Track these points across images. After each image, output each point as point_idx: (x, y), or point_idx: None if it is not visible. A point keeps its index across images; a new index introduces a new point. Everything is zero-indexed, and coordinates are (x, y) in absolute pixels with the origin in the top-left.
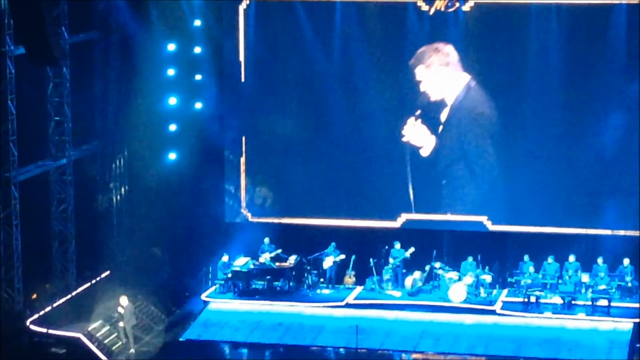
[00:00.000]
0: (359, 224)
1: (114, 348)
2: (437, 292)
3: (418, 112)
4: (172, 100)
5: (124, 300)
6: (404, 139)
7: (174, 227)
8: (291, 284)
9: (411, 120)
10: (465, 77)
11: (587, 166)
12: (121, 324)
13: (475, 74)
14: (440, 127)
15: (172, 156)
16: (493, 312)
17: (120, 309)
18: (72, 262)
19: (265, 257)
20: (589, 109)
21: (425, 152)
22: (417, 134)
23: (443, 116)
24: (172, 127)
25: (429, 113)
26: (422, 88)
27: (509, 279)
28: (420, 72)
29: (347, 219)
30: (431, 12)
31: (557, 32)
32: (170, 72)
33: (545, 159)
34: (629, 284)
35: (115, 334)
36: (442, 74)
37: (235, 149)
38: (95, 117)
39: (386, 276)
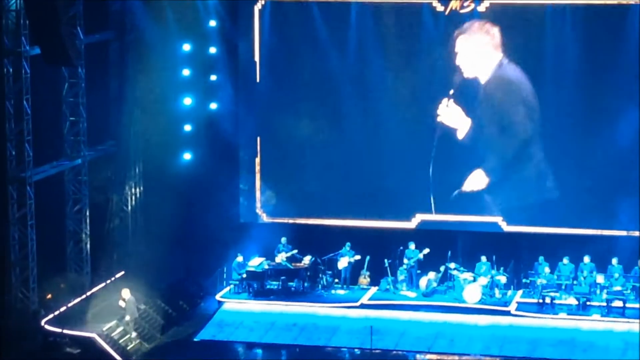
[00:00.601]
0: (373, 224)
1: (128, 348)
2: (452, 292)
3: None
4: (187, 101)
5: (126, 293)
6: (439, 119)
7: (189, 227)
8: (306, 284)
9: (444, 102)
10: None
11: (602, 167)
12: (127, 317)
13: None
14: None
15: (187, 156)
16: (508, 313)
17: (121, 302)
18: (87, 262)
19: (281, 257)
20: (604, 109)
21: (460, 135)
22: (451, 115)
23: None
24: (187, 128)
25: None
26: (457, 61)
27: (523, 280)
28: (460, 43)
29: (361, 220)
30: (446, 13)
31: (573, 32)
32: (186, 72)
33: (560, 160)
34: None
35: (128, 335)
36: (480, 50)
37: (250, 149)
38: (110, 117)
39: (401, 277)
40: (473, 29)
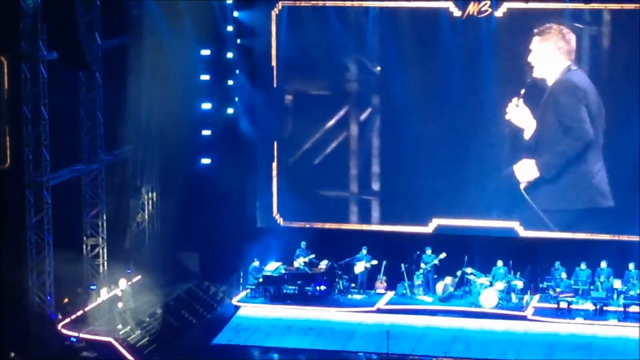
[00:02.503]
0: (390, 229)
1: (145, 352)
2: (469, 297)
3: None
4: (205, 105)
5: (122, 283)
6: (507, 117)
7: (206, 232)
8: (322, 289)
9: (513, 101)
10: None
11: (619, 172)
12: (119, 304)
13: None
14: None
15: (206, 161)
16: (524, 318)
17: (118, 292)
18: (104, 267)
19: (299, 262)
20: (622, 114)
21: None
22: (519, 115)
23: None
24: (206, 132)
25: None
26: (530, 58)
27: (540, 285)
28: (536, 43)
29: (378, 224)
30: (463, 17)
31: (591, 36)
32: (203, 77)
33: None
34: None
35: (147, 338)
36: (552, 54)
37: (267, 154)
38: (127, 121)
39: (417, 281)
40: (551, 32)
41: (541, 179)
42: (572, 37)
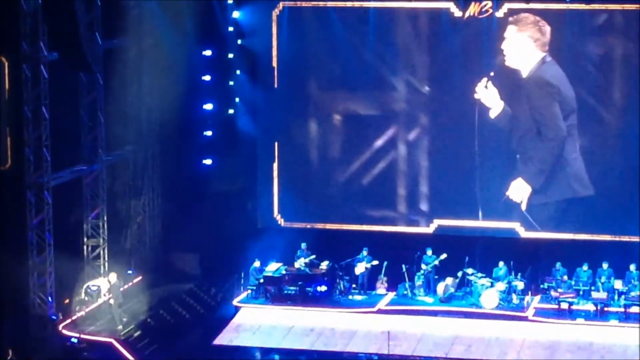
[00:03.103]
0: (391, 229)
1: (146, 352)
2: (469, 298)
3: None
4: (206, 106)
5: (112, 277)
6: (475, 96)
7: (207, 232)
8: (323, 289)
9: (482, 82)
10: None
11: (620, 173)
12: (111, 301)
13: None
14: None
15: (207, 161)
16: (525, 319)
17: (106, 284)
18: (105, 267)
19: (300, 263)
20: (622, 115)
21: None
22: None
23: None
24: (206, 133)
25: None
26: (503, 45)
27: (541, 286)
28: (511, 31)
29: (379, 225)
30: (465, 18)
31: (592, 37)
32: (204, 77)
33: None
34: None
35: (147, 339)
36: (526, 45)
37: (268, 154)
38: (128, 122)
39: (418, 282)
40: (527, 22)
41: (534, 191)
42: (547, 29)
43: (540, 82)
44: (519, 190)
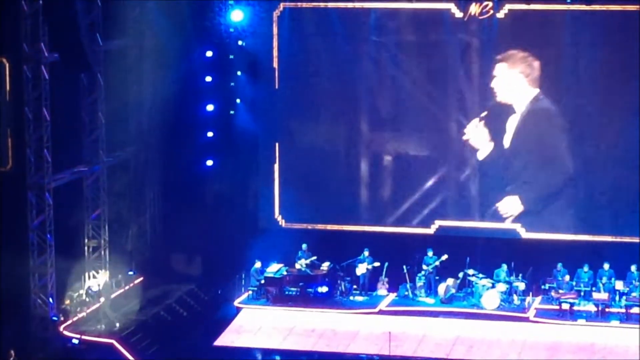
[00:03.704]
0: (392, 230)
1: (147, 353)
2: (470, 299)
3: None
4: (207, 107)
5: (102, 276)
6: (464, 137)
7: (208, 233)
8: (324, 290)
9: (474, 122)
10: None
11: (621, 174)
12: (102, 299)
13: None
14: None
15: (208, 162)
16: (526, 320)
17: (97, 284)
18: (106, 268)
19: (301, 264)
20: (625, 116)
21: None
22: (478, 136)
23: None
24: (206, 134)
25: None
26: (493, 84)
27: (542, 287)
28: (501, 69)
29: (380, 226)
30: (465, 19)
31: (593, 37)
32: (205, 78)
33: (579, 166)
34: None
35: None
36: (518, 81)
37: (269, 155)
38: (129, 123)
39: (419, 283)
40: (515, 59)
41: (526, 212)
42: (536, 64)
43: (543, 114)
44: (511, 207)
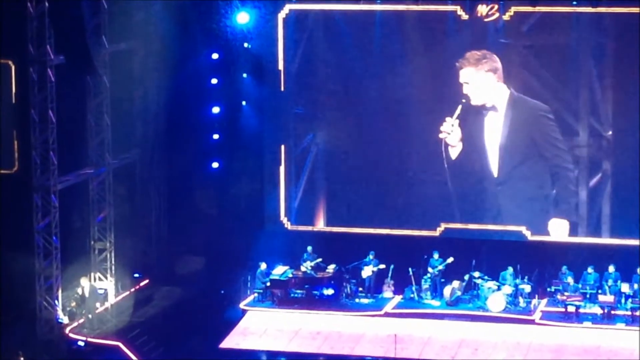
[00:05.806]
0: (398, 232)
1: (153, 355)
2: (476, 301)
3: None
4: (212, 109)
5: (85, 282)
6: (440, 135)
7: (213, 236)
8: (330, 293)
9: (448, 121)
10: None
11: (627, 176)
12: (98, 304)
13: (517, 82)
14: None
15: (214, 165)
16: (532, 322)
17: (79, 290)
18: (112, 270)
19: (306, 266)
20: (633, 117)
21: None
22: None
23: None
24: (214, 136)
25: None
26: (465, 90)
27: (548, 289)
28: (465, 74)
29: (386, 228)
30: (471, 21)
31: (599, 39)
32: (211, 81)
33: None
34: None
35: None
36: (489, 79)
37: (274, 158)
38: (135, 125)
39: (425, 285)
40: (477, 57)
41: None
42: (495, 57)
43: (525, 108)
44: (559, 229)
